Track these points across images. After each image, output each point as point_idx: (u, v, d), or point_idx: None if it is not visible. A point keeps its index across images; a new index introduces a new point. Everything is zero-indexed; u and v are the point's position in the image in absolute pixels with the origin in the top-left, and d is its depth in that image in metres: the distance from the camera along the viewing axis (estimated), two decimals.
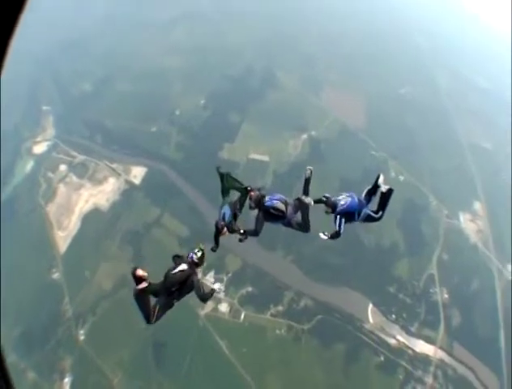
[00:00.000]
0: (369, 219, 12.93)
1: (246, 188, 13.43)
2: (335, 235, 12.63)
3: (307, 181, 13.31)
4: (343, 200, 12.57)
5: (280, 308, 65.61)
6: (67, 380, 59.55)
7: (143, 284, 10.37)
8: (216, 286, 13.21)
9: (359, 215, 12.68)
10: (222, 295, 65.31)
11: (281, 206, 12.58)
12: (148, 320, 10.14)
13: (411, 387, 63.74)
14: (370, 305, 68.17)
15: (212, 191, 79.11)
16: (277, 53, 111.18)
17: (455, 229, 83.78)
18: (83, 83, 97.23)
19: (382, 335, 65.66)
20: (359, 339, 63.93)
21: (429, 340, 68.41)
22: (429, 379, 65.03)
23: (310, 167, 13.54)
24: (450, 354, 67.99)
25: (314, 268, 69.82)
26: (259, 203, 12.68)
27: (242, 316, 65.61)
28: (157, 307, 10.29)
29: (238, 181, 13.71)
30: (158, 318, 10.24)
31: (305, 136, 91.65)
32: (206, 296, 10.80)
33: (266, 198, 12.79)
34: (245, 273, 68.54)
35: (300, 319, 63.99)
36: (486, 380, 67.78)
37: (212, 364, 61.63)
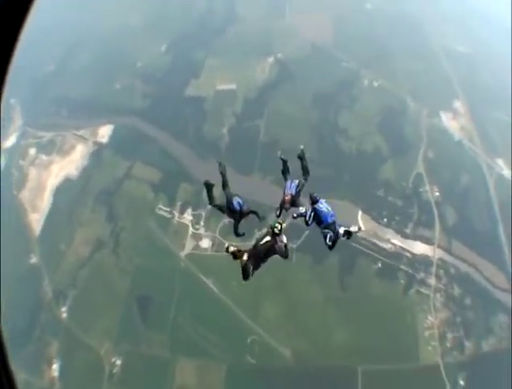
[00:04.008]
0: (324, 239, 12.13)
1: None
2: (302, 217, 12.54)
3: (284, 165, 13.36)
4: (323, 206, 12.33)
5: (265, 230, 54.51)
6: (55, 366, 51.93)
7: (245, 257, 11.30)
8: (284, 239, 12.02)
9: (324, 227, 12.18)
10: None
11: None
12: (247, 278, 11.27)
13: (414, 291, 54.63)
14: (360, 213, 59.10)
15: (182, 130, 70.45)
16: None
17: (438, 128, 75.26)
18: (46, 66, 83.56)
19: (376, 241, 57.07)
20: (352, 249, 55.37)
21: (426, 241, 60.22)
22: (432, 280, 55.78)
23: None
24: (449, 252, 60.23)
25: None
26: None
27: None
28: (250, 267, 11.23)
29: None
30: (251, 275, 11.29)
31: (271, 59, 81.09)
32: (287, 253, 11.65)
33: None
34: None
35: (288, 238, 52.69)
36: (490, 275, 60.58)
37: (201, 305, 53.92)
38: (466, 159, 72.75)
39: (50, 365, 51.43)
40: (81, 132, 72.56)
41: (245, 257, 11.09)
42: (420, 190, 65.03)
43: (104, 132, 71.46)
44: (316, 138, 67.66)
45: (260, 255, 11.29)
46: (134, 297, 53.64)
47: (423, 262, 58.45)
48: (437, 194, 65.41)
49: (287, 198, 12.49)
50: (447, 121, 77.22)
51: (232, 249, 11.33)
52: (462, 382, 51.81)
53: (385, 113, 74.42)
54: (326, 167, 63.86)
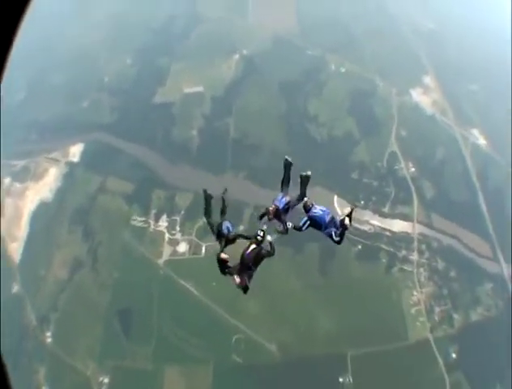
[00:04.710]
0: (330, 237, 12.18)
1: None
2: (297, 229, 12.27)
3: (286, 171, 13.07)
4: (317, 210, 12.16)
5: (242, 227, 53.61)
6: None
7: (237, 279, 11.34)
8: (269, 238, 12.11)
9: (325, 228, 12.05)
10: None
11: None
12: (247, 291, 11.31)
13: (397, 269, 53.44)
14: (335, 198, 57.02)
15: (151, 138, 68.98)
16: None
17: (409, 105, 74.41)
18: (16, 94, 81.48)
19: (355, 224, 54.01)
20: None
21: (405, 217, 59.10)
22: (415, 256, 54.44)
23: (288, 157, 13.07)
24: (430, 227, 59.13)
25: (269, 178, 57.47)
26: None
27: (203, 249, 55.09)
28: (246, 278, 11.20)
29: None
30: (248, 284, 11.30)
31: (236, 56, 79.45)
32: (273, 250, 11.64)
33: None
34: (199, 205, 55.72)
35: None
36: (473, 245, 59.95)
37: (183, 311, 52.30)
38: (440, 132, 71.86)
39: None
40: (53, 155, 70.60)
41: (237, 279, 11.10)
42: (395, 167, 63.79)
43: (75, 151, 69.73)
44: (285, 128, 66.68)
45: (249, 265, 11.21)
46: (114, 312, 52.06)
47: (403, 239, 57.39)
48: (413, 169, 64.49)
49: (271, 208, 12.15)
50: (418, 97, 76.32)
51: (223, 256, 11.45)
52: (454, 355, 50.68)
53: (354, 96, 73.17)
54: (297, 156, 62.04)
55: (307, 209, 12.21)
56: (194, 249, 55.89)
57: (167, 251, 56.25)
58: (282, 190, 12.76)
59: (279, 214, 12.17)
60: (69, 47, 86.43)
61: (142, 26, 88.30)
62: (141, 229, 58.13)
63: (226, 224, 12.47)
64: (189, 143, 66.95)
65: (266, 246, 11.53)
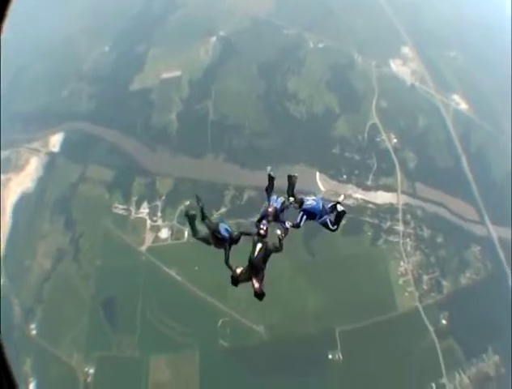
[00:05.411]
0: (325, 225, 12.02)
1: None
2: (296, 226, 11.86)
3: (270, 182, 12.47)
4: (310, 201, 11.88)
5: (224, 209, 51.82)
6: (32, 385, 48.35)
7: (256, 284, 10.62)
8: (278, 232, 11.26)
9: (320, 217, 11.87)
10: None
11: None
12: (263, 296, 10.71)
13: (383, 241, 51.81)
14: (317, 174, 55.37)
15: (130, 125, 66.64)
16: None
17: (388, 76, 72.89)
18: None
19: (337, 199, 51.94)
20: None
21: (389, 189, 57.74)
22: (400, 227, 52.52)
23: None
24: (414, 196, 57.82)
25: (250, 158, 56.57)
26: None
27: (186, 234, 53.27)
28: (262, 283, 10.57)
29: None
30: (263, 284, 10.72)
31: (214, 39, 77.17)
32: (281, 246, 10.92)
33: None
34: (179, 190, 56.59)
35: (247, 213, 50.82)
36: (459, 210, 58.74)
37: (167, 297, 50.61)
38: (420, 101, 70.43)
39: (27, 384, 48.10)
40: (33, 145, 68.48)
41: (256, 284, 10.47)
42: (377, 139, 62.04)
43: (55, 141, 67.69)
44: (265, 107, 64.85)
45: (260, 265, 10.62)
46: (99, 302, 50.73)
47: (388, 210, 56.09)
48: (395, 140, 62.96)
49: (270, 209, 11.62)
50: (397, 67, 74.92)
51: (238, 271, 10.67)
52: (444, 322, 49.47)
53: (333, 71, 71.48)
54: (277, 135, 61.05)
55: (301, 203, 11.84)
56: (176, 234, 54.39)
57: (149, 238, 54.69)
58: (269, 196, 12.12)
59: (278, 215, 11.73)
60: (49, 37, 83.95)
61: (119, 13, 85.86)
62: (123, 217, 56.49)
63: (223, 226, 11.47)
64: (169, 127, 65.08)
65: (270, 243, 10.75)
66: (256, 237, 10.87)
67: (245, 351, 47.18)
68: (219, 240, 11.16)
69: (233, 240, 11.19)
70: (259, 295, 10.42)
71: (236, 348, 47.13)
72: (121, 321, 49.66)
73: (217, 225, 11.38)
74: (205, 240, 11.40)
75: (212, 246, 11.34)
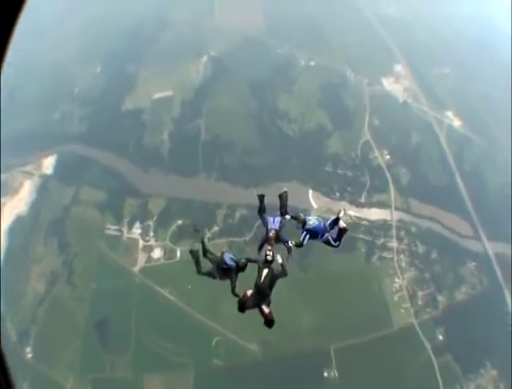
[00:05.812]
0: (328, 243, 12.16)
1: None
2: (299, 245, 11.83)
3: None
4: (312, 221, 11.91)
5: (216, 228, 51.99)
6: None
7: (266, 309, 10.73)
8: (279, 260, 11.26)
9: (322, 236, 12.01)
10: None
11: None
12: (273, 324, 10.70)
13: (377, 257, 51.44)
14: (310, 192, 55.44)
15: (122, 146, 67.16)
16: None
17: (381, 94, 73.43)
18: None
19: (330, 216, 51.99)
20: None
21: (383, 205, 57.75)
22: (394, 243, 52.37)
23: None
24: (408, 212, 57.90)
25: (242, 176, 56.68)
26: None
27: (178, 253, 53.28)
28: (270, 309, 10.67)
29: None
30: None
31: (205, 58, 77.69)
32: (285, 270, 11.04)
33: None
34: (171, 209, 56.85)
35: (240, 232, 51.19)
36: (453, 225, 58.77)
37: (160, 317, 50.22)
38: (413, 118, 70.93)
39: None
40: (27, 168, 68.54)
41: (266, 310, 10.50)
42: (370, 157, 62.46)
43: (48, 163, 67.79)
44: (256, 125, 65.34)
45: (266, 291, 10.69)
46: (93, 324, 50.32)
47: (381, 227, 56.08)
48: (388, 157, 63.07)
49: (271, 234, 11.54)
50: (389, 85, 75.53)
51: (249, 293, 10.64)
52: (440, 337, 49.08)
53: (325, 89, 72.07)
54: (270, 153, 61.42)
55: (304, 222, 11.82)
56: (168, 254, 54.24)
57: (142, 258, 54.56)
58: (262, 218, 12.16)
59: (279, 235, 11.72)
60: (41, 60, 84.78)
61: (110, 34, 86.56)
62: (115, 238, 56.34)
63: (228, 256, 11.54)
64: (161, 148, 65.27)
65: (277, 269, 10.88)
66: (261, 264, 10.94)
67: (240, 370, 46.72)
68: (225, 271, 11.24)
69: (240, 268, 11.24)
70: (270, 322, 10.40)
71: (230, 367, 46.69)
72: (114, 342, 49.21)
73: (222, 256, 11.47)
74: (210, 274, 11.52)
75: (218, 280, 11.45)
